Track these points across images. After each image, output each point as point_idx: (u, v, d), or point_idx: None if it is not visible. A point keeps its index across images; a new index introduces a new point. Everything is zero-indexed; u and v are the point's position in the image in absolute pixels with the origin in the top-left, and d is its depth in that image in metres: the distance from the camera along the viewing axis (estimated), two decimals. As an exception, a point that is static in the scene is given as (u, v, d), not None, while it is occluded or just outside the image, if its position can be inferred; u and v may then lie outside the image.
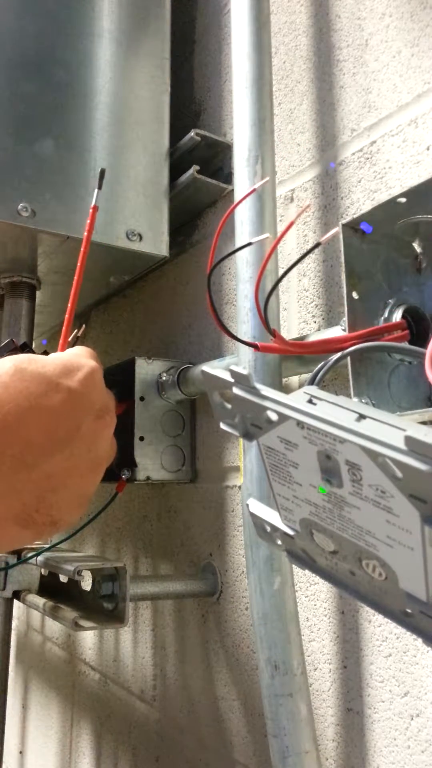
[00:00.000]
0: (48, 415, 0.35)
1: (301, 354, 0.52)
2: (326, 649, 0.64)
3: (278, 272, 0.72)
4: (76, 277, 0.52)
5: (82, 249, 0.53)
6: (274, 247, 0.53)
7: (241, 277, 0.64)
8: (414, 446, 0.24)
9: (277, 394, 0.31)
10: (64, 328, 0.50)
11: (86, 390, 0.38)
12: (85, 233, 0.54)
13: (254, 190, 0.60)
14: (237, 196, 0.67)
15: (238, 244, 0.65)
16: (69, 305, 0.51)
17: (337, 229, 0.47)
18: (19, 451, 0.34)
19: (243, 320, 0.63)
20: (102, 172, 0.60)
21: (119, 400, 0.83)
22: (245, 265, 0.64)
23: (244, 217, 0.65)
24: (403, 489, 0.25)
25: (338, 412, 0.29)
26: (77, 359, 0.40)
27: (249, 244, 0.56)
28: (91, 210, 0.55)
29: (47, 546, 0.83)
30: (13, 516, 0.35)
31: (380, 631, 0.59)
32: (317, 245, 0.42)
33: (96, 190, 0.57)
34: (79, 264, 0.52)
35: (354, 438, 0.26)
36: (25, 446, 0.34)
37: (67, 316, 0.51)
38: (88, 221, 0.54)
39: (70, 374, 0.38)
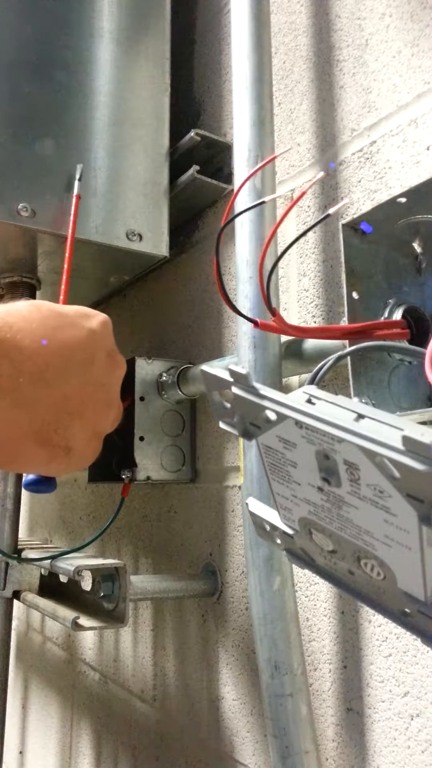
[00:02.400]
0: (64, 344, 0.39)
1: (298, 336, 0.52)
2: (326, 649, 0.64)
3: (278, 273, 0.72)
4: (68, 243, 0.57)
5: (69, 230, 0.59)
6: (275, 231, 0.53)
7: (241, 277, 0.64)
8: (411, 446, 0.24)
9: (275, 394, 0.31)
10: (63, 285, 0.56)
11: (101, 331, 0.42)
12: (71, 218, 0.60)
13: (274, 158, 0.59)
14: (238, 196, 0.67)
15: (237, 245, 0.65)
16: (65, 266, 0.58)
17: (346, 201, 0.47)
18: (37, 369, 0.37)
19: (243, 320, 0.63)
20: (81, 168, 0.69)
21: (122, 396, 0.83)
22: (245, 266, 0.64)
23: (244, 217, 0.65)
24: (401, 489, 0.25)
25: (337, 412, 0.29)
26: (90, 309, 0.44)
27: (262, 202, 0.55)
28: (74, 199, 0.63)
29: (53, 554, 0.83)
30: (34, 432, 0.38)
31: (380, 631, 0.59)
32: (326, 216, 0.42)
33: (77, 182, 0.65)
34: (69, 241, 0.57)
35: (352, 438, 0.26)
36: (43, 365, 0.37)
37: (65, 275, 0.57)
38: (72, 209, 0.62)
39: (87, 317, 0.42)
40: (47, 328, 0.39)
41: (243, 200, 0.65)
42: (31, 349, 0.37)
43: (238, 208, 0.65)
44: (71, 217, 0.61)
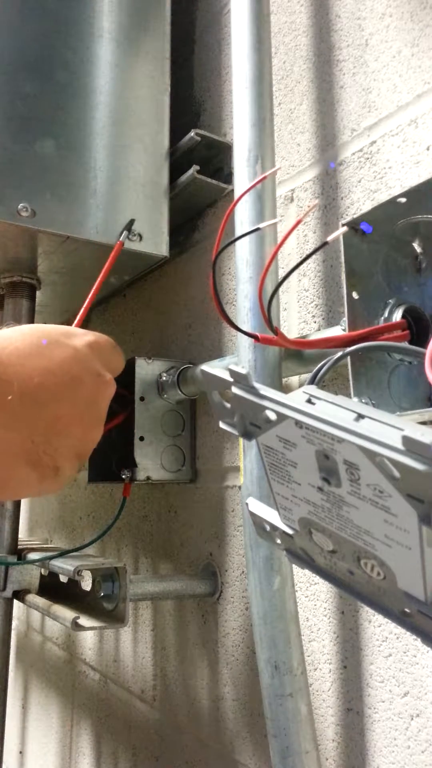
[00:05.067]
0: (50, 362, 0.39)
1: (300, 349, 0.52)
2: (326, 649, 0.64)
3: (278, 272, 0.72)
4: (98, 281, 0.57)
5: (103, 270, 0.58)
6: (276, 252, 0.53)
7: (241, 277, 0.64)
8: (411, 446, 0.24)
9: (275, 394, 0.31)
10: (82, 312, 0.56)
11: (87, 350, 0.42)
12: (107, 263, 0.60)
13: (264, 178, 0.60)
14: (237, 196, 0.67)
15: (237, 244, 0.65)
16: (89, 296, 0.57)
17: (344, 229, 0.47)
18: (27, 388, 0.37)
19: (243, 320, 0.63)
20: (131, 221, 0.72)
21: (119, 408, 0.83)
22: (245, 265, 0.64)
23: (244, 217, 0.65)
24: (401, 489, 0.25)
25: (337, 412, 0.29)
26: (75, 329, 0.44)
27: (257, 229, 0.56)
28: (116, 245, 0.63)
29: (54, 554, 0.83)
30: (25, 452, 0.37)
31: (380, 631, 0.59)
32: (324, 244, 0.42)
33: (125, 231, 0.65)
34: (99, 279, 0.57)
35: (352, 438, 0.26)
36: (32, 384, 0.37)
37: (87, 302, 0.57)
38: (111, 254, 0.62)
39: (72, 337, 0.42)
40: (33, 346, 0.39)
41: (243, 202, 0.65)
42: (20, 368, 0.37)
43: (238, 215, 0.65)
44: (108, 262, 0.61)
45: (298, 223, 0.41)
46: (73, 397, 0.40)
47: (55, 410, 0.38)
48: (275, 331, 0.45)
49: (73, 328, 0.44)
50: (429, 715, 0.54)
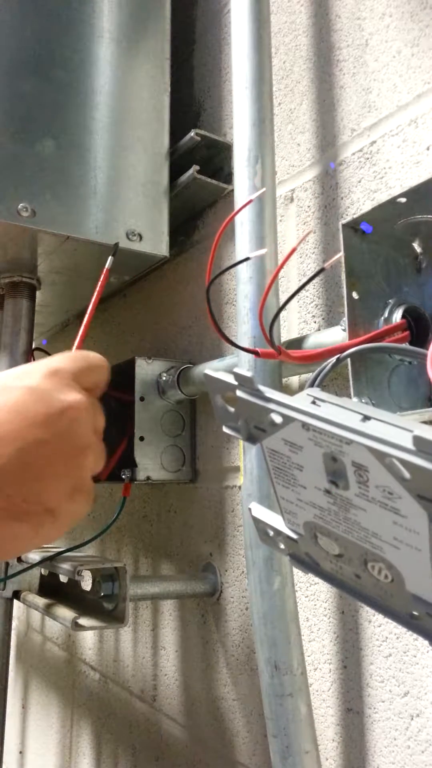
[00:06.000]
0: (5, 411, 0.37)
1: (302, 363, 0.53)
2: (326, 649, 0.64)
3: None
4: (90, 309, 0.60)
5: (93, 300, 0.61)
6: (276, 274, 0.54)
7: (241, 277, 0.64)
8: (422, 446, 0.24)
9: (281, 396, 0.31)
10: (79, 336, 0.56)
11: (44, 383, 0.40)
12: (98, 288, 0.62)
13: (251, 201, 0.61)
14: (237, 196, 0.67)
15: (238, 245, 0.65)
16: (84, 323, 0.58)
17: (341, 255, 0.47)
18: None
19: (243, 320, 0.63)
20: (116, 245, 0.72)
21: (120, 435, 0.84)
22: (245, 266, 0.64)
23: (244, 218, 0.65)
24: (411, 490, 0.25)
25: (343, 414, 0.29)
26: (42, 362, 0.42)
27: (247, 259, 0.56)
28: (104, 272, 0.64)
29: (54, 553, 0.83)
30: (2, 509, 0.35)
31: (380, 631, 0.59)
32: (321, 270, 0.43)
33: (110, 257, 0.65)
34: (91, 308, 0.60)
35: (361, 439, 0.26)
36: None
37: (82, 328, 0.57)
38: (100, 280, 0.63)
39: (25, 376, 0.40)
40: None
41: (242, 202, 0.65)
42: None
43: (238, 215, 0.65)
44: (98, 286, 0.62)
45: (293, 251, 0.42)
46: (37, 438, 0.37)
47: (20, 458, 0.36)
48: (278, 349, 0.46)
49: (30, 367, 0.41)
50: (429, 715, 0.54)
